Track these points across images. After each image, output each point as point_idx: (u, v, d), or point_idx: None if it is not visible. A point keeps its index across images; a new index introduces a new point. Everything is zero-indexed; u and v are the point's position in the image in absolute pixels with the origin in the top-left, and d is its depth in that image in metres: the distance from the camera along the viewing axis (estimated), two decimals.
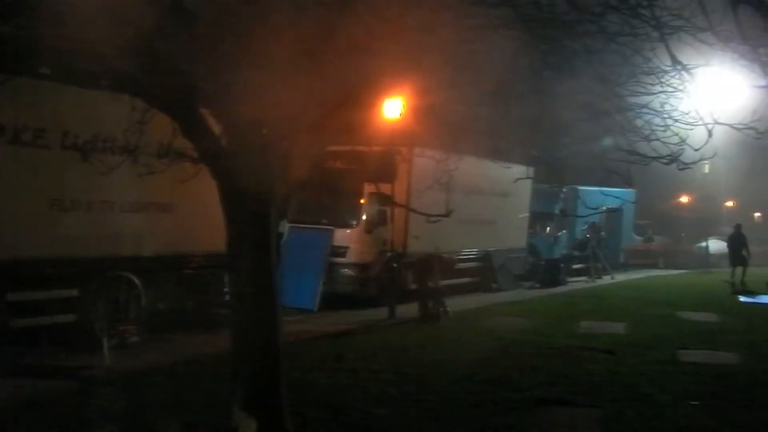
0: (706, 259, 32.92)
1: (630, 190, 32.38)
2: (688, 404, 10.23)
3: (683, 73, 8.40)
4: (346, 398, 10.06)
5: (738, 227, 27.44)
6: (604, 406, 10.10)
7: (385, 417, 9.23)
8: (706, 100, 10.24)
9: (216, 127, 7.42)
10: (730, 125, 8.61)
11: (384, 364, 12.32)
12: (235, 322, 7.62)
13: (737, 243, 26.53)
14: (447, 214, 17.14)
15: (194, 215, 13.92)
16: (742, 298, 22.49)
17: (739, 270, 25.97)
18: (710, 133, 8.72)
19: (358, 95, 7.53)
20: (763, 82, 8.48)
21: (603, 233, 29.44)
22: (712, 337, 15.78)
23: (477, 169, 21.86)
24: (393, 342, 14.74)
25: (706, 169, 33.59)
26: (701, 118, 9.17)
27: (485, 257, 24.30)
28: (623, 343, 14.97)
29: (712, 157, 10.00)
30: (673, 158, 9.16)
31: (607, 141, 11.52)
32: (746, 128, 8.52)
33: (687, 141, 9.94)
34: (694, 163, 10.43)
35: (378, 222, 19.88)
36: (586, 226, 29.33)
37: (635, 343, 14.96)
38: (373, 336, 15.56)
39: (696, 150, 9.46)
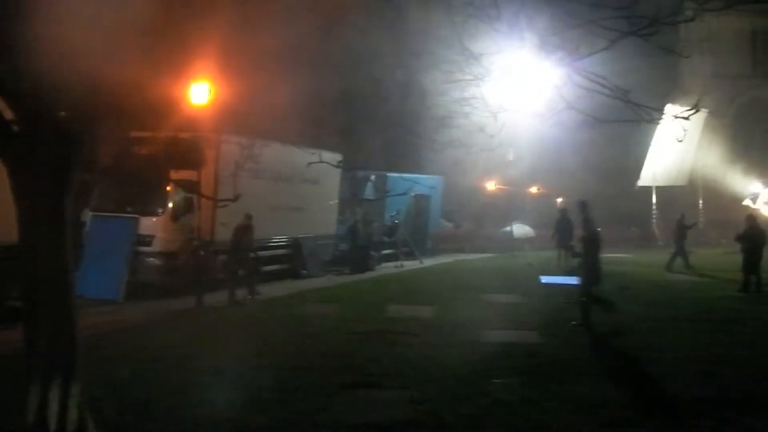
0: (511, 243, 34.63)
1: (438, 176, 33.92)
2: (491, 382, 10.72)
3: (476, 60, 9.09)
4: (150, 390, 10.03)
5: (563, 211, 29.27)
6: (411, 387, 10.47)
7: (189, 407, 9.28)
8: (503, 88, 11.08)
9: (6, 111, 7.06)
10: (528, 113, 9.44)
11: (190, 355, 12.35)
12: (28, 315, 7.27)
13: (564, 226, 28.21)
14: (234, 199, 17.58)
15: None
16: (543, 279, 23.89)
17: (563, 252, 27.70)
18: (495, 118, 9.42)
19: (158, 78, 7.43)
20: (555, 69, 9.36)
21: (397, 222, 30.40)
22: (514, 318, 16.60)
23: (285, 156, 22.30)
24: (199, 331, 14.86)
25: (511, 156, 35.48)
26: (501, 106, 9.96)
27: (294, 244, 24.70)
28: (430, 325, 15.52)
29: (500, 145, 10.81)
30: (463, 143, 9.76)
31: (405, 126, 12.04)
32: (544, 116, 9.34)
33: (500, 128, 10.70)
34: (491, 149, 11.28)
35: (185, 210, 19.90)
36: (396, 212, 30.37)
37: (442, 325, 15.52)
38: (179, 326, 15.58)
39: (491, 137, 10.26)
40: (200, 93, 14.65)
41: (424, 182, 31.16)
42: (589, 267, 15.33)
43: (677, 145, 36.47)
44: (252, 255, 20.10)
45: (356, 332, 14.64)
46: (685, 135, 33.63)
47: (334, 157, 20.34)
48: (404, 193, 26.29)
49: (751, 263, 20.48)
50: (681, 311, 17.66)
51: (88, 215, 18.88)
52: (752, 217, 22.12)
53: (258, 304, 18.38)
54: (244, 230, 19.61)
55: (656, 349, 13.14)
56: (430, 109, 11.16)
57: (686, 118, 12.24)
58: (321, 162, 15.00)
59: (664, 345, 13.47)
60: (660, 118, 13.26)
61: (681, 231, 27.45)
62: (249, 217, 19.71)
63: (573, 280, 22.88)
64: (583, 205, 17.48)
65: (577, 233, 28.67)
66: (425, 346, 13.47)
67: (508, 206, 38.10)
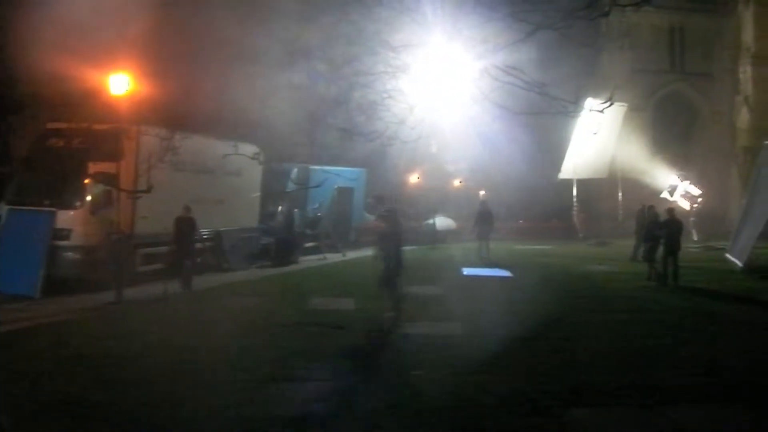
0: (434, 236, 35.05)
1: (361, 169, 34.17)
2: (412, 374, 11.01)
3: (395, 53, 9.35)
4: (67, 386, 10.04)
5: (483, 204, 29.84)
6: (333, 380, 10.74)
7: (105, 403, 9.31)
8: (424, 81, 11.34)
9: None
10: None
11: (107, 350, 12.36)
12: None
13: (485, 218, 28.77)
14: (148, 190, 17.61)
15: None
16: (464, 271, 24.35)
17: (484, 243, 28.26)
18: (411, 110, 9.69)
19: (76, 69, 7.43)
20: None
21: (320, 214, 30.57)
22: (435, 310, 16.91)
23: (206, 148, 22.32)
24: (118, 326, 14.84)
25: (434, 148, 35.94)
26: (419, 99, 10.23)
27: (216, 237, 24.71)
28: (353, 318, 15.78)
29: (421, 137, 11.09)
30: (379, 135, 10.00)
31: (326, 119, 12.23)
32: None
33: (419, 121, 10.95)
34: (414, 140, 11.54)
35: (103, 203, 19.73)
36: (319, 205, 30.52)
37: (365, 317, 15.71)
38: (97, 321, 15.52)
39: (412, 129, 10.53)
40: (119, 84, 14.60)
41: (346, 175, 31.39)
42: (391, 256, 15.66)
43: (598, 138, 37.40)
44: (193, 247, 20.51)
45: (278, 325, 14.78)
46: (604, 128, 34.77)
47: (251, 149, 20.43)
48: (320, 186, 26.49)
49: (652, 253, 21.60)
50: (599, 302, 18.27)
51: (3, 209, 18.72)
52: (671, 210, 22.95)
53: (183, 299, 18.36)
54: (185, 222, 19.84)
55: (576, 339, 13.56)
56: (352, 101, 11.38)
57: (601, 111, 12.72)
58: (236, 154, 15.14)
59: (583, 335, 13.91)
60: (578, 112, 13.76)
61: (642, 222, 28.39)
62: (188, 209, 19.93)
63: (496, 272, 23.53)
64: (380, 199, 18.28)
65: (497, 225, 29.44)
66: (347, 338, 13.70)
67: (432, 199, 38.52)
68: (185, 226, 19.77)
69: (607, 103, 10.24)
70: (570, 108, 11.35)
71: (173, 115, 19.65)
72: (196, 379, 10.55)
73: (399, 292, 15.58)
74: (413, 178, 40.63)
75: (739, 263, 24.54)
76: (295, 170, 29.85)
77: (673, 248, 21.06)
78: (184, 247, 19.95)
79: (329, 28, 10.96)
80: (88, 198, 19.57)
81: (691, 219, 36.21)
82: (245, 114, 17.73)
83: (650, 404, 9.59)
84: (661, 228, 21.70)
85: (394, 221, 15.92)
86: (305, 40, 10.68)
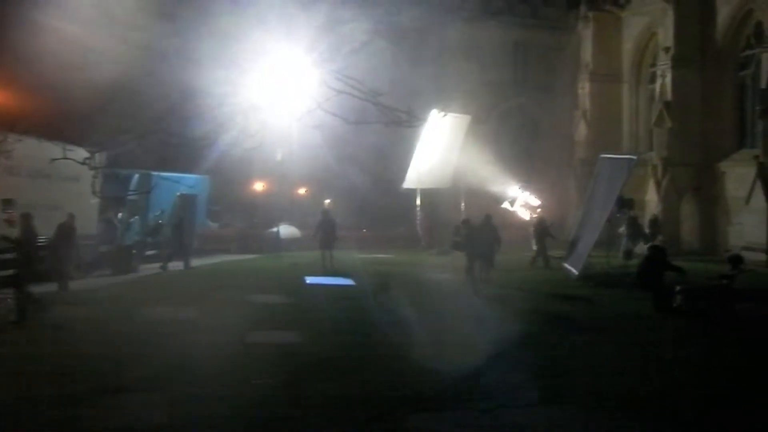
0: (278, 244, 35.39)
1: (203, 176, 34.20)
2: (251, 383, 11.27)
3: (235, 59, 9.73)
4: None
5: (325, 213, 30.44)
6: (168, 390, 10.76)
7: None
8: (263, 88, 11.74)
9: None
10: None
11: None
12: None
13: (327, 227, 29.31)
14: None
15: None
16: (307, 280, 24.84)
17: (327, 253, 28.77)
18: (245, 115, 10.09)
19: None
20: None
21: (162, 221, 30.45)
22: (278, 318, 17.32)
23: (41, 152, 21.95)
24: None
25: (279, 156, 36.33)
26: (257, 105, 10.62)
27: (52, 245, 24.17)
28: (192, 327, 15.87)
29: (261, 144, 11.49)
30: (211, 142, 10.30)
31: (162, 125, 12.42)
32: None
33: (259, 128, 11.32)
34: (254, 147, 11.92)
35: None
36: (160, 212, 30.37)
37: (204, 327, 15.91)
38: None
39: (251, 136, 10.92)
40: None
41: (188, 182, 31.39)
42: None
43: (441, 149, 38.60)
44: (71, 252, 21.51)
45: (114, 335, 14.80)
46: (448, 139, 35.96)
47: (82, 153, 20.23)
48: (151, 191, 26.47)
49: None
50: (439, 310, 19.01)
51: None
52: (488, 216, 24.37)
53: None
54: (67, 229, 21.29)
55: (417, 345, 14.10)
56: (191, 107, 11.64)
57: (437, 123, 13.46)
58: (65, 158, 15.09)
59: (424, 342, 14.46)
60: (413, 122, 14.45)
61: (543, 231, 29.67)
62: (72, 216, 21.53)
63: (339, 281, 24.12)
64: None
65: (340, 234, 30.12)
66: (186, 348, 13.74)
67: (276, 206, 38.82)
68: (65, 233, 20.75)
69: (445, 114, 10.96)
70: (404, 118, 11.97)
71: (6, 116, 19.37)
72: (25, 393, 10.52)
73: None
74: (257, 185, 40.86)
75: (575, 272, 25.96)
76: (137, 176, 29.63)
77: (485, 254, 22.32)
78: (62, 254, 20.88)
79: (167, 29, 11.22)
80: None
81: (531, 229, 37.90)
82: (82, 117, 17.66)
83: (491, 408, 10.19)
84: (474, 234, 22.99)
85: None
86: (145, 39, 10.93)
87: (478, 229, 23.99)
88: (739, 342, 15.63)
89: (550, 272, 27.45)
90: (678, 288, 18.90)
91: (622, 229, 30.28)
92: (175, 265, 28.61)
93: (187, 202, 32.80)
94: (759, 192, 30.99)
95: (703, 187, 36.93)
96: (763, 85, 31.93)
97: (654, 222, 34.98)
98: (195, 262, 29.54)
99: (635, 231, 30.93)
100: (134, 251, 28.08)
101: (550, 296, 22.03)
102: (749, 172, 31.99)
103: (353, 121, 11.20)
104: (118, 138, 15.77)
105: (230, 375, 11.83)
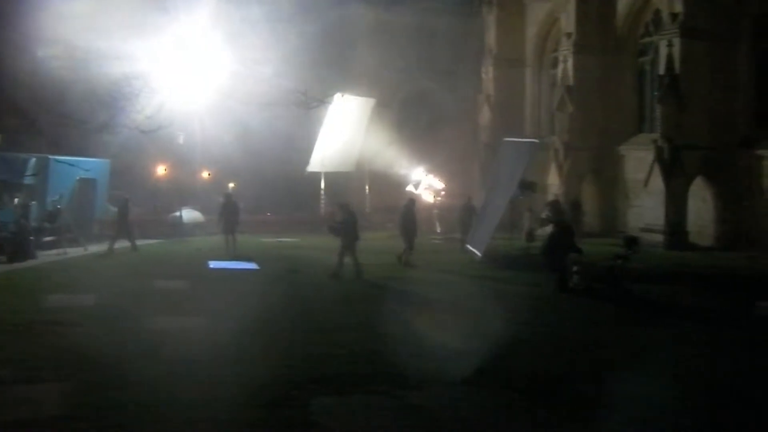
0: (181, 229, 35.04)
1: (104, 160, 33.61)
2: (153, 369, 11.20)
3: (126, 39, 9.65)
4: None
5: (228, 196, 30.20)
6: (69, 379, 10.64)
7: None
8: (167, 70, 11.68)
9: None
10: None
11: None
12: None
13: (230, 211, 29.09)
14: None
15: None
16: (211, 264, 24.71)
17: (230, 237, 28.61)
18: (137, 97, 10.02)
19: None
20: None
21: (60, 207, 29.84)
22: (181, 304, 17.24)
23: None
24: None
25: (181, 140, 35.89)
26: (158, 88, 10.59)
27: None
28: (93, 315, 15.66)
29: (161, 127, 11.42)
30: (107, 125, 10.22)
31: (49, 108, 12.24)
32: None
33: (157, 109, 11.26)
34: (153, 131, 11.83)
35: None
36: (58, 197, 29.75)
37: (105, 314, 15.68)
38: None
39: (148, 117, 10.83)
40: None
41: (87, 166, 30.85)
42: None
43: (345, 132, 38.75)
44: None
45: (10, 324, 14.49)
46: (352, 122, 36.17)
47: None
48: (38, 174, 25.98)
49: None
50: (344, 294, 19.24)
51: None
52: (346, 205, 23.99)
53: None
54: None
55: (322, 331, 14.34)
56: (84, 91, 11.49)
57: (341, 106, 13.55)
58: None
59: (328, 327, 14.71)
60: (312, 104, 14.53)
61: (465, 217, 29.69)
62: None
63: (243, 265, 24.09)
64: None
65: (244, 218, 30.00)
66: (86, 336, 13.64)
67: (179, 191, 38.39)
68: None
69: (344, 96, 11.08)
70: (302, 99, 12.06)
71: None
72: None
73: None
74: (160, 169, 40.34)
75: (478, 254, 26.45)
76: (33, 160, 28.99)
77: (405, 238, 22.46)
78: None
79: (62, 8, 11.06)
80: None
81: (435, 211, 38.37)
82: None
83: (393, 390, 10.41)
84: (340, 223, 22.83)
85: None
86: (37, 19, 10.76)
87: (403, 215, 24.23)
88: (632, 321, 16.30)
89: (461, 255, 27.78)
90: (575, 268, 19.46)
91: (546, 214, 30.71)
92: (74, 251, 28.07)
93: (86, 186, 32.22)
94: (657, 175, 31.97)
95: (602, 171, 37.92)
96: (661, 71, 32.84)
97: (575, 206, 35.81)
98: (95, 248, 29.02)
99: (556, 215, 31.49)
100: (32, 237, 27.42)
101: (453, 278, 22.40)
102: (648, 155, 32.96)
103: (248, 102, 11.26)
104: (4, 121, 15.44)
105: (132, 362, 11.77)
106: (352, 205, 24.54)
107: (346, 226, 22.42)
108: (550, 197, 36.32)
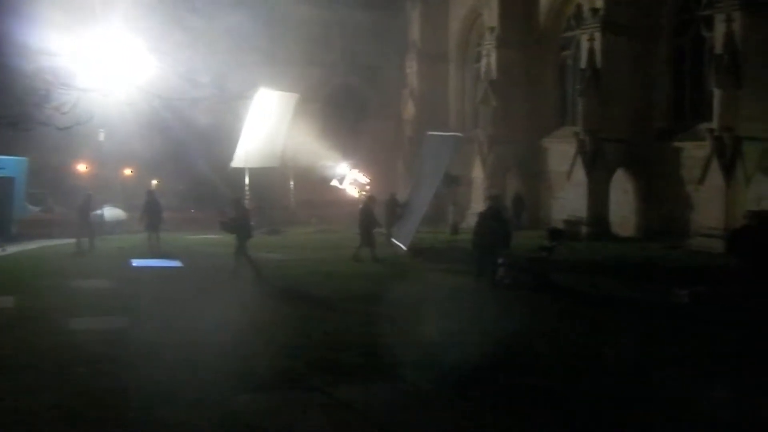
0: (102, 227, 34.53)
1: (20, 158, 32.92)
2: (76, 371, 11.06)
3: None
4: None
5: (150, 193, 29.92)
6: None
7: None
8: (84, 66, 11.49)
9: None
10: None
11: None
12: None
13: (152, 209, 28.80)
14: None
15: None
16: (134, 263, 24.43)
17: (153, 235, 28.34)
18: (48, 94, 9.88)
19: None
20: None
21: None
22: (103, 303, 16.98)
23: None
24: None
25: (102, 137, 35.38)
26: (72, 84, 10.43)
27: None
28: (11, 316, 15.42)
29: (79, 123, 11.24)
30: (20, 121, 10.07)
31: None
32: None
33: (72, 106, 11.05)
34: (68, 127, 11.65)
35: None
36: None
37: (26, 315, 15.43)
38: None
39: (63, 114, 10.64)
40: None
41: (2, 164, 30.25)
42: None
43: (269, 128, 38.56)
44: None
45: None
46: (275, 118, 35.91)
47: None
48: None
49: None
50: (273, 290, 19.37)
51: None
52: (237, 201, 23.77)
53: None
54: None
55: (250, 328, 14.29)
56: None
57: (264, 101, 13.50)
58: None
59: (255, 325, 14.66)
60: (232, 98, 14.43)
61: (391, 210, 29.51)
62: None
63: (166, 263, 23.87)
64: None
65: (167, 215, 29.69)
66: (4, 337, 13.40)
67: (100, 189, 37.82)
68: None
69: (259, 90, 11.06)
70: (220, 94, 12.02)
71: None
72: None
73: None
74: (80, 167, 39.70)
75: (403, 247, 26.62)
76: None
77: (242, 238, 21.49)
78: None
79: None
80: None
81: (360, 206, 38.36)
82: None
83: (319, 386, 10.42)
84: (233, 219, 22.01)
85: None
86: None
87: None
88: (554, 312, 16.62)
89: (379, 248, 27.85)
90: (500, 261, 19.64)
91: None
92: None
93: (3, 185, 31.57)
94: (579, 167, 32.57)
95: (526, 164, 38.45)
96: (582, 65, 33.43)
97: (517, 200, 36.20)
98: (13, 249, 28.47)
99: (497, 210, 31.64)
100: None
101: (376, 272, 22.55)
102: (570, 148, 33.58)
103: (169, 98, 11.18)
104: None
105: (50, 363, 11.60)
106: (244, 201, 24.25)
107: (239, 222, 21.73)
108: (477, 192, 36.74)
